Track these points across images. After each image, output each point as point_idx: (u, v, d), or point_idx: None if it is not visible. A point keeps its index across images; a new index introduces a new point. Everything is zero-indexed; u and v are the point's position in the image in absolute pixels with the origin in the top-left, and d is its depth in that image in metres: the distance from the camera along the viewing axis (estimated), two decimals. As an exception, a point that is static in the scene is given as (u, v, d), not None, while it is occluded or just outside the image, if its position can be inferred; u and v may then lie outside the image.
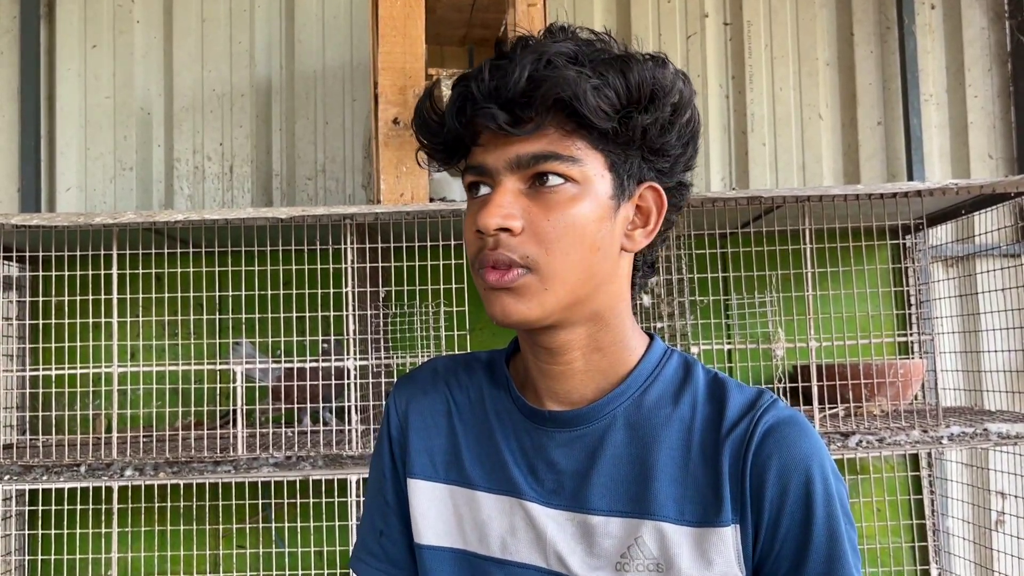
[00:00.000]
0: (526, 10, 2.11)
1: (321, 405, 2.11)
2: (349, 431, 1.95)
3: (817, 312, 2.02)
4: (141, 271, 2.10)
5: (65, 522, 2.27)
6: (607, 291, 0.85)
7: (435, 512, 0.93)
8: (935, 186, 1.91)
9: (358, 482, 1.93)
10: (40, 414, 2.35)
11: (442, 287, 2.05)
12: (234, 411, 2.03)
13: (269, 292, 2.08)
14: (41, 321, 2.28)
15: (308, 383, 2.02)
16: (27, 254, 2.06)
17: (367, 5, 2.60)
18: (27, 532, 2.36)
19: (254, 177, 2.71)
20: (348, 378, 1.96)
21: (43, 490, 2.27)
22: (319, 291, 2.10)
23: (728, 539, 0.80)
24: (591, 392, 0.88)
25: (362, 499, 1.82)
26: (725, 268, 2.26)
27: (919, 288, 2.48)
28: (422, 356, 2.19)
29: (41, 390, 2.30)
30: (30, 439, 2.28)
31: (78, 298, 2.09)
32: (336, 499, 2.29)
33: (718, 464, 0.82)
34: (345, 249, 1.96)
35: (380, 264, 2.02)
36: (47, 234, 1.98)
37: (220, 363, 2.06)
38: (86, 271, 2.09)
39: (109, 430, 2.23)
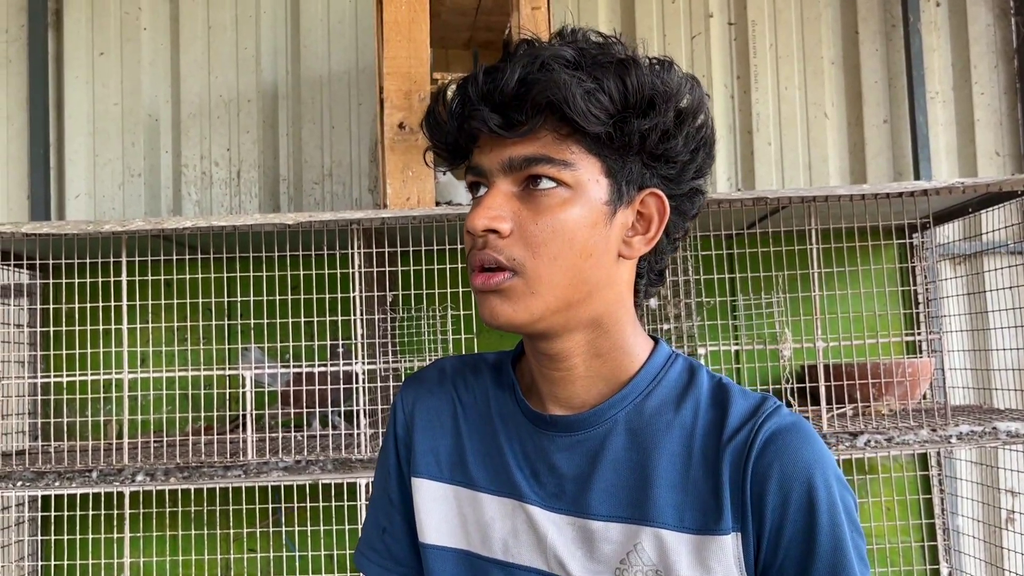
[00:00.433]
0: (530, 13, 2.11)
1: (330, 409, 2.12)
2: (358, 435, 1.96)
3: (824, 312, 2.02)
4: (150, 277, 2.11)
5: (77, 527, 2.29)
6: (603, 297, 0.84)
7: (439, 512, 0.93)
8: (942, 185, 1.90)
9: (367, 486, 1.93)
10: (52, 420, 2.37)
11: (449, 291, 2.05)
12: (244, 416, 2.05)
13: (277, 297, 2.09)
14: (52, 328, 2.30)
15: (317, 387, 2.03)
16: (37, 261, 2.07)
17: (372, 9, 2.61)
18: (40, 538, 2.38)
19: (261, 182, 2.72)
20: (356, 382, 1.97)
21: (55, 496, 2.29)
22: (327, 296, 2.11)
23: (728, 547, 0.79)
24: (593, 397, 0.88)
25: (368, 504, 1.83)
26: (731, 269, 2.26)
27: (927, 287, 2.47)
28: (430, 359, 2.20)
29: (52, 397, 2.32)
30: (42, 445, 2.30)
31: (88, 305, 2.11)
32: (346, 503, 2.29)
33: (719, 471, 0.81)
34: (352, 254, 1.97)
35: (387, 268, 2.02)
36: (57, 242, 2.00)
37: (229, 368, 2.07)
38: (96, 278, 2.10)
39: (120, 436, 2.25)
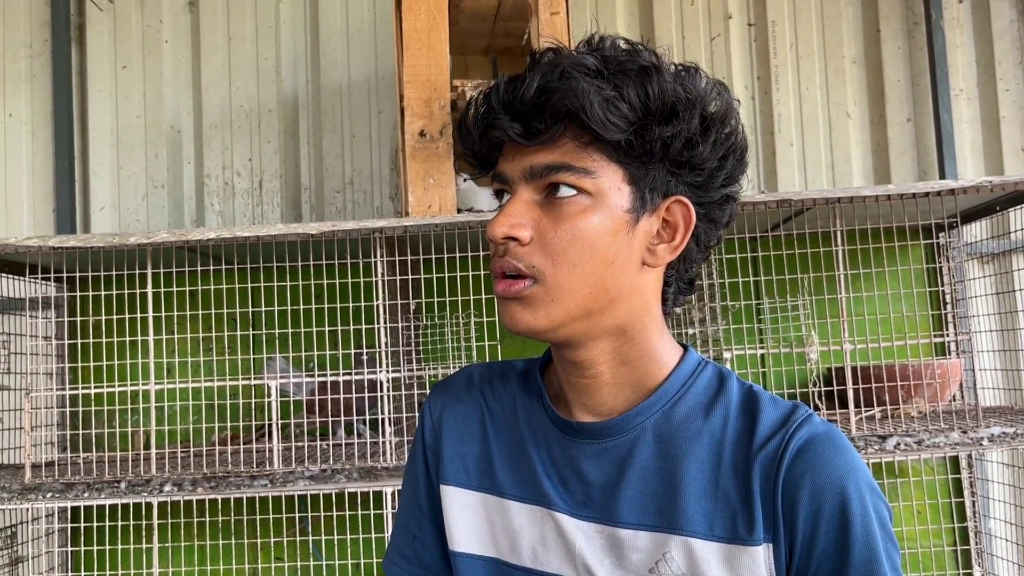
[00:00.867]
0: (549, 18, 2.11)
1: (355, 418, 2.12)
2: (383, 443, 1.96)
3: (851, 314, 2.00)
4: (175, 289, 2.12)
5: (107, 538, 2.30)
6: (627, 305, 0.84)
7: (468, 519, 0.93)
8: (969, 184, 1.88)
9: (393, 494, 1.93)
10: (80, 432, 2.39)
11: (472, 298, 2.05)
12: (269, 425, 2.05)
13: (301, 307, 2.10)
14: (79, 340, 2.32)
15: (342, 396, 2.04)
16: (64, 274, 2.09)
17: (391, 17, 2.62)
18: (69, 549, 2.40)
19: (283, 191, 2.73)
20: (381, 390, 1.97)
21: (84, 507, 2.31)
22: (350, 305, 2.11)
23: (760, 558, 0.79)
24: (620, 404, 0.88)
25: (397, 510, 1.83)
26: (756, 272, 2.24)
27: (954, 287, 2.44)
28: (454, 367, 2.19)
29: (81, 408, 2.34)
30: (71, 456, 2.32)
31: (115, 317, 2.12)
32: (372, 511, 2.29)
33: (749, 481, 0.81)
34: (375, 262, 1.98)
35: (410, 276, 2.02)
36: (83, 254, 2.01)
37: (254, 378, 2.08)
38: (122, 290, 2.12)
39: (148, 446, 2.26)
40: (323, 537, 2.39)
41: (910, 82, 2.79)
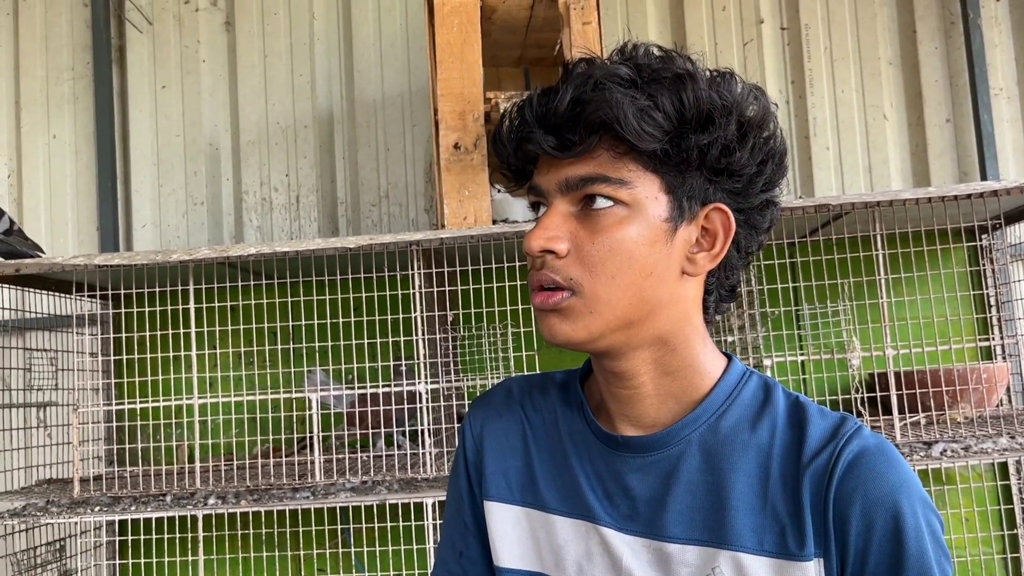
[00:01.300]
0: (581, 28, 2.11)
1: (395, 429, 2.13)
2: (423, 454, 1.97)
3: (893, 319, 1.97)
4: (217, 304, 2.16)
5: (153, 551, 2.34)
6: (668, 315, 0.83)
7: (512, 535, 0.93)
8: (1012, 185, 1.85)
9: (433, 505, 1.94)
10: (127, 446, 2.43)
11: (508, 308, 2.06)
12: (310, 438, 2.07)
13: (340, 320, 2.12)
14: (124, 356, 2.36)
15: (381, 408, 2.05)
16: (109, 292, 2.13)
17: (423, 32, 2.64)
18: (117, 561, 2.44)
19: (320, 206, 2.77)
20: (420, 402, 1.98)
21: (131, 520, 2.34)
22: (388, 317, 2.13)
23: (811, 574, 0.77)
24: (665, 416, 0.86)
25: (438, 522, 1.83)
26: (795, 278, 2.22)
27: (999, 289, 2.40)
28: (492, 377, 2.20)
29: (127, 423, 2.38)
30: (117, 471, 2.36)
31: (158, 332, 2.16)
32: (412, 523, 2.30)
33: (799, 495, 0.79)
34: (412, 275, 1.99)
35: (447, 288, 2.04)
36: (127, 272, 2.05)
37: (295, 391, 2.10)
38: (165, 306, 2.16)
39: (192, 460, 2.30)
40: (364, 549, 2.40)
41: (948, 82, 2.75)
